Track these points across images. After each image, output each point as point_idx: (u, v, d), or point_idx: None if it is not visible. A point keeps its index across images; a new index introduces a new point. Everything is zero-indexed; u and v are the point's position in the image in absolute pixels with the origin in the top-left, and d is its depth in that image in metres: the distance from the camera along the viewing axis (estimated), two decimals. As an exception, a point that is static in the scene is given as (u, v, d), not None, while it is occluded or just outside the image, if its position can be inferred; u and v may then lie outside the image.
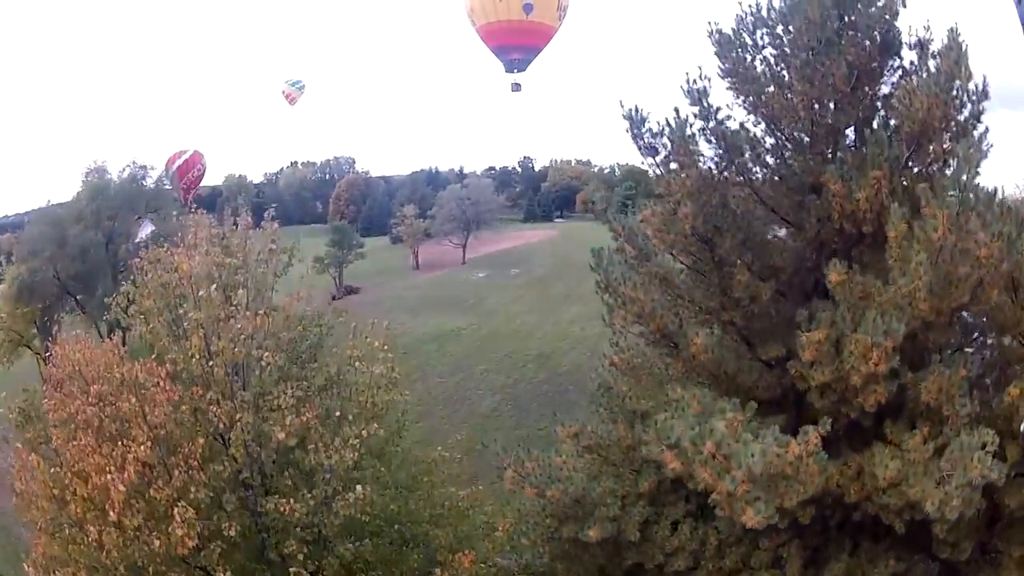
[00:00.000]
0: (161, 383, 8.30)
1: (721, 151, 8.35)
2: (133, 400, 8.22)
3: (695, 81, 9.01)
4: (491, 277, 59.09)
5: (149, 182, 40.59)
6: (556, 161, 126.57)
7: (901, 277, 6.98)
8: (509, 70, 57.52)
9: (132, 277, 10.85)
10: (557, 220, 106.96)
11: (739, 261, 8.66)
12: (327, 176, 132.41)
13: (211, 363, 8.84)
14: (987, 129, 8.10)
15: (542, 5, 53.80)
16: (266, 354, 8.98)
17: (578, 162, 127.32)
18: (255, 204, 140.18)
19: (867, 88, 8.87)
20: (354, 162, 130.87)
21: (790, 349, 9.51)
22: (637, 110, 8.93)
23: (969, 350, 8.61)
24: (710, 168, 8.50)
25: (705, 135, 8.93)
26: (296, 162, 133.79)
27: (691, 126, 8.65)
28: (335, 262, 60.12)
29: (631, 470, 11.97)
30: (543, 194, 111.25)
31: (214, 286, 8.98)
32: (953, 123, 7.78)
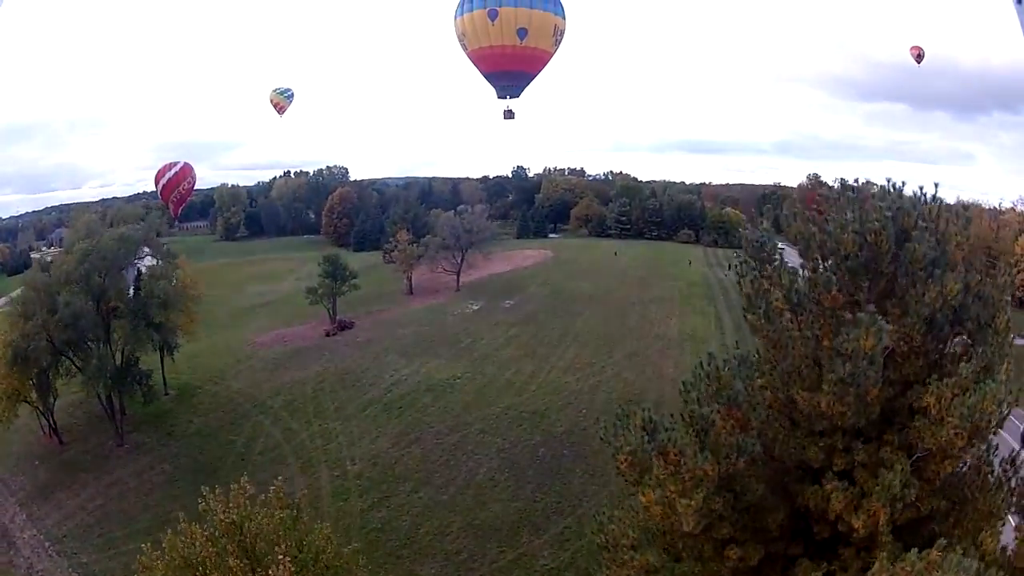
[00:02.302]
0: None
1: (734, 456, 8.33)
2: None
3: (710, 364, 9.07)
4: (484, 310, 59.14)
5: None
6: (549, 170, 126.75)
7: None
8: (502, 96, 56.62)
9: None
10: (551, 236, 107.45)
11: (734, 543, 8.88)
12: (320, 181, 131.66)
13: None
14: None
15: (537, 30, 52.65)
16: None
17: (571, 171, 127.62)
18: (248, 213, 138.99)
19: (898, 378, 8.92)
20: (347, 172, 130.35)
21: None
22: (652, 419, 8.91)
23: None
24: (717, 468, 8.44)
25: (719, 410, 9.03)
26: (289, 171, 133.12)
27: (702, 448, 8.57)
28: (328, 293, 59.93)
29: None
30: (537, 208, 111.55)
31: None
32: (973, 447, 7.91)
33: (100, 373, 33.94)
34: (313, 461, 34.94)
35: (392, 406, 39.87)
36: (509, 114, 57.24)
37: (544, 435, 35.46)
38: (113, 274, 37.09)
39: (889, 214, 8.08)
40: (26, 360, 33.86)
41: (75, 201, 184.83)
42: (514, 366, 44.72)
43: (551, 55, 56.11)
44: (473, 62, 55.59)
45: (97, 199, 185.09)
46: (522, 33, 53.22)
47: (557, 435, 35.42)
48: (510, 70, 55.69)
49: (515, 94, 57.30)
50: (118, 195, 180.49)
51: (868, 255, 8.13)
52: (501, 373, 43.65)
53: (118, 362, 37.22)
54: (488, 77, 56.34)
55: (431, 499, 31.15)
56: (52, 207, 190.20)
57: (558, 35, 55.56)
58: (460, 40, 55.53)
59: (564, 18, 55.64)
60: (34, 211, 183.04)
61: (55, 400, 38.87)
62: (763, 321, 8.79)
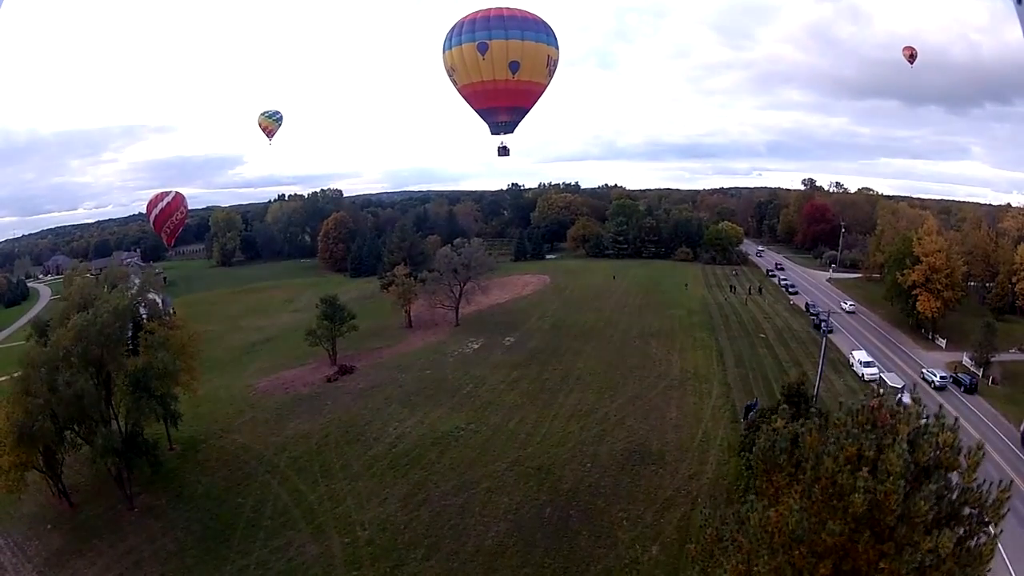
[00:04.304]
0: None
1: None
2: None
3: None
4: (485, 349, 59.35)
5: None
6: (544, 185, 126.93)
7: None
8: (495, 132, 56.13)
9: None
10: (548, 257, 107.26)
11: None
12: (315, 204, 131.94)
13: None
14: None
15: (530, 62, 51.95)
16: None
17: (566, 186, 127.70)
18: (244, 237, 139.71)
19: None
20: (341, 194, 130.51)
21: None
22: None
23: None
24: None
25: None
26: (283, 195, 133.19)
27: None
28: (328, 335, 60.16)
29: None
30: (533, 228, 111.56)
31: None
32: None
33: (106, 450, 34.15)
34: (323, 526, 35.08)
35: (398, 462, 40.05)
36: (504, 151, 56.64)
37: (550, 494, 35.74)
38: (111, 347, 37.05)
39: (903, 482, 8.41)
40: (32, 438, 34.05)
41: (70, 224, 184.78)
42: (517, 414, 44.97)
43: (545, 87, 55.57)
44: (464, 98, 55.11)
45: (93, 220, 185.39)
46: (514, 66, 52.61)
47: (563, 493, 35.70)
48: (503, 105, 55.17)
49: (509, 130, 56.78)
50: (113, 216, 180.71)
51: (874, 506, 8.47)
52: (505, 422, 43.89)
53: (122, 428, 37.38)
54: (481, 113, 55.79)
55: (442, 567, 31.32)
56: (48, 229, 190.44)
57: (551, 66, 54.91)
58: (450, 75, 54.91)
59: (557, 48, 55.08)
60: (29, 233, 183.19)
61: (62, 463, 38.96)
62: (766, 556, 9.16)
